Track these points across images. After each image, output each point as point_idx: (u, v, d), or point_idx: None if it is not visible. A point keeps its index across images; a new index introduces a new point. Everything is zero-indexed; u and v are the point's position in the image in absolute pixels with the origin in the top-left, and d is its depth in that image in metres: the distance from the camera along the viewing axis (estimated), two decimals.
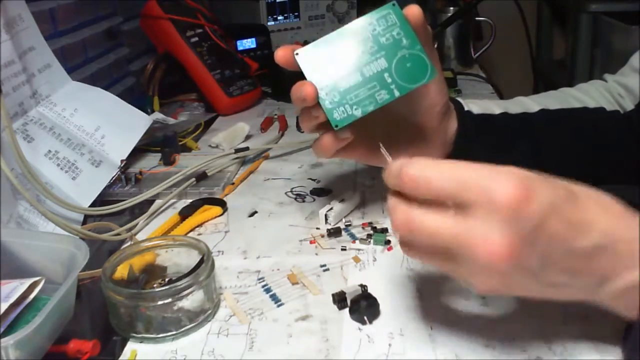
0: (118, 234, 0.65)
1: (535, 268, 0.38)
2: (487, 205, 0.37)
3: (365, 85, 0.52)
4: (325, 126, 0.55)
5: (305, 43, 0.55)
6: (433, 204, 0.39)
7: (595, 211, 0.40)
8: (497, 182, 0.37)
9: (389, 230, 0.63)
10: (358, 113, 0.52)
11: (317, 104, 0.53)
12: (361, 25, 0.53)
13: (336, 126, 0.52)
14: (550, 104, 0.69)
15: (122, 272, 0.53)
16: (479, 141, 0.65)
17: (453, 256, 0.39)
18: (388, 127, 0.60)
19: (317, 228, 0.65)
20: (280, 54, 0.54)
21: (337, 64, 0.53)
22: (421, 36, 0.54)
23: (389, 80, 0.53)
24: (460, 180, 0.38)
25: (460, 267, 0.39)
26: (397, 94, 0.53)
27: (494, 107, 0.68)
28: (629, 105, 0.69)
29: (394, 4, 0.53)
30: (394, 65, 0.53)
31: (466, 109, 0.66)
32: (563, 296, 0.42)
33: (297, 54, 0.53)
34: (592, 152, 0.68)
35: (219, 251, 0.62)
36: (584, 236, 0.39)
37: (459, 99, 0.68)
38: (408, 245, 0.42)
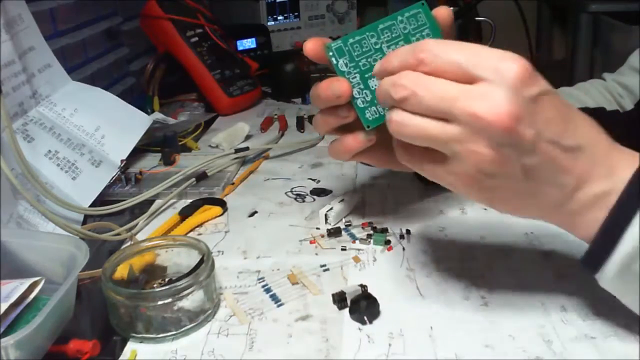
0: (118, 234, 0.65)
1: (528, 146, 0.40)
2: (496, 76, 0.40)
3: None
4: (344, 128, 0.53)
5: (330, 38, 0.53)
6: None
7: (583, 119, 0.44)
8: (507, 59, 0.40)
9: (389, 230, 0.63)
10: None
11: (347, 104, 0.51)
12: (393, 23, 0.51)
13: (368, 126, 0.51)
14: None
15: (122, 272, 0.53)
16: None
17: (452, 120, 0.41)
18: None
19: (317, 228, 0.65)
20: (310, 47, 0.52)
21: (369, 60, 0.51)
22: (448, 37, 0.53)
23: None
24: (475, 53, 0.41)
25: (455, 134, 0.41)
26: None
27: None
28: (629, 105, 0.69)
29: (422, 4, 0.51)
30: None
31: None
32: (541, 199, 0.43)
33: (328, 47, 0.50)
34: None
35: (219, 251, 0.62)
36: (571, 133, 0.42)
37: None
38: (403, 117, 0.43)
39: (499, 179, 0.42)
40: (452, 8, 0.53)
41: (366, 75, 0.51)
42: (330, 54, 0.50)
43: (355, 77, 0.51)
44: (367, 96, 0.51)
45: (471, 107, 0.39)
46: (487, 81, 0.40)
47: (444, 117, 0.41)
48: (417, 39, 0.51)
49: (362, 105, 0.51)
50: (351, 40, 0.50)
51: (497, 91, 0.39)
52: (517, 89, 0.39)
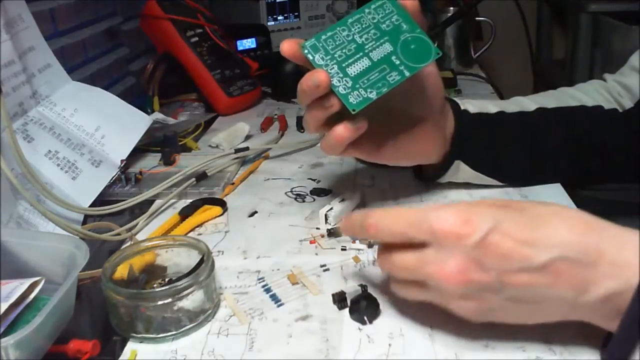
0: (118, 234, 0.65)
1: (495, 285, 0.41)
2: (434, 238, 0.42)
3: (375, 69, 0.54)
4: (333, 122, 0.55)
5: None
6: (407, 245, 0.44)
7: (556, 225, 0.41)
8: (438, 217, 0.42)
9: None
10: (373, 95, 0.53)
11: (329, 93, 0.53)
12: (361, 16, 0.55)
13: (353, 110, 0.53)
14: (548, 102, 0.69)
15: (122, 272, 0.53)
16: (475, 139, 0.66)
17: (427, 287, 0.44)
18: (389, 124, 0.61)
19: (317, 228, 0.65)
20: (287, 47, 0.55)
21: (344, 51, 0.54)
22: (417, 20, 0.56)
23: (397, 62, 0.54)
24: (411, 222, 0.44)
25: (436, 295, 0.45)
26: (407, 73, 0.54)
27: (491, 106, 0.68)
28: (629, 104, 0.69)
29: None
30: (399, 48, 0.54)
31: (462, 108, 0.66)
32: (546, 314, 0.43)
33: (303, 46, 0.54)
34: (589, 151, 0.68)
35: (219, 251, 0.62)
36: (540, 251, 0.40)
37: (456, 99, 0.68)
38: (397, 284, 0.48)
39: (494, 312, 0.44)
40: None
41: (344, 65, 0.54)
42: (306, 51, 0.54)
43: (333, 67, 0.54)
44: (347, 83, 0.53)
45: (428, 272, 0.43)
46: (431, 246, 0.43)
47: (421, 285, 0.45)
48: (388, 26, 0.55)
49: (344, 92, 0.53)
50: (324, 37, 0.54)
51: (440, 254, 0.42)
52: (455, 245, 0.41)
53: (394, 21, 0.55)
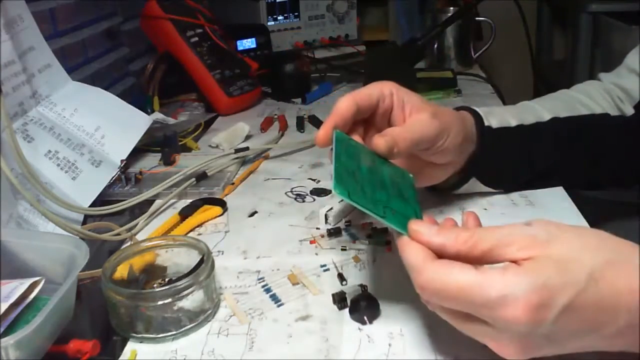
0: (118, 234, 0.65)
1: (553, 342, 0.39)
2: (505, 325, 0.38)
3: (392, 197, 0.48)
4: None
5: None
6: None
7: (622, 291, 0.38)
8: (508, 306, 0.37)
9: (389, 230, 0.63)
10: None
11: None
12: (339, 150, 0.49)
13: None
14: (559, 110, 0.69)
15: (122, 272, 0.53)
16: (494, 158, 0.65)
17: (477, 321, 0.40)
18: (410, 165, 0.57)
19: (317, 228, 0.65)
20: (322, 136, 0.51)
21: (367, 186, 0.47)
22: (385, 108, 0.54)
23: (405, 193, 0.50)
24: (467, 299, 0.39)
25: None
26: (416, 202, 0.50)
27: (510, 117, 0.67)
28: (629, 110, 0.69)
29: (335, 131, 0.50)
30: (391, 180, 0.50)
31: (486, 123, 0.64)
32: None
33: (336, 187, 0.46)
34: (598, 158, 0.68)
35: (219, 251, 0.62)
36: (608, 325, 0.38)
37: (478, 110, 0.66)
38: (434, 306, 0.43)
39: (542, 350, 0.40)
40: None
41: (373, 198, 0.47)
42: (346, 196, 0.45)
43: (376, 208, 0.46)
44: (392, 213, 0.46)
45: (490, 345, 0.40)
46: (491, 328, 0.39)
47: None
48: (372, 160, 0.50)
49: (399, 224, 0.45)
50: (342, 174, 0.46)
51: (503, 337, 0.39)
52: (529, 331, 0.38)
53: (369, 153, 0.50)
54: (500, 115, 0.66)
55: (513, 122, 0.67)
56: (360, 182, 0.47)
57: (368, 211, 0.45)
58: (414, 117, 0.55)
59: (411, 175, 0.53)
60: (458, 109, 0.64)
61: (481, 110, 0.66)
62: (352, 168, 0.47)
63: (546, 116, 0.68)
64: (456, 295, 0.39)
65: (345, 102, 0.52)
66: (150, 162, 0.85)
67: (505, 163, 0.66)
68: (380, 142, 0.51)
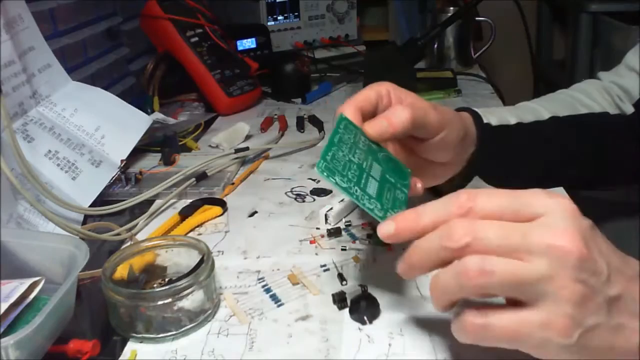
0: (118, 234, 0.65)
1: (603, 275, 0.37)
2: (552, 209, 0.38)
3: (383, 188, 0.49)
4: None
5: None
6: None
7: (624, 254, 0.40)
8: (552, 195, 0.38)
9: None
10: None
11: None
12: (339, 135, 0.48)
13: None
14: (559, 110, 0.69)
15: (122, 272, 0.53)
16: (495, 156, 0.65)
17: (528, 257, 0.37)
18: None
19: (317, 228, 0.65)
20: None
21: (353, 172, 0.47)
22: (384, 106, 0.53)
23: (393, 180, 0.51)
24: (518, 196, 0.39)
25: (542, 270, 0.37)
26: (405, 190, 0.51)
27: (509, 116, 0.67)
28: (629, 108, 0.69)
29: (341, 116, 0.50)
30: (385, 166, 0.51)
31: (485, 121, 0.64)
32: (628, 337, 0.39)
33: (318, 167, 0.44)
34: (598, 157, 0.68)
35: (219, 251, 0.62)
36: (630, 264, 0.39)
37: (477, 110, 0.66)
38: (484, 266, 0.38)
39: (590, 318, 0.37)
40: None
41: (361, 186, 0.47)
42: (325, 174, 0.45)
43: (356, 190, 0.46)
44: (377, 205, 0.47)
45: (544, 238, 0.36)
46: (545, 216, 0.38)
47: (514, 256, 0.37)
48: (364, 144, 0.50)
49: (381, 215, 0.46)
50: (328, 157, 0.46)
51: (562, 222, 0.37)
52: (575, 219, 0.37)
53: (364, 140, 0.50)
54: (499, 114, 0.67)
55: (512, 121, 0.67)
56: (349, 167, 0.47)
57: (346, 193, 0.45)
58: (416, 104, 0.54)
59: (409, 170, 0.54)
60: (457, 110, 0.65)
61: (480, 110, 0.66)
62: (345, 152, 0.48)
63: (545, 115, 0.68)
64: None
65: (348, 112, 0.51)
66: (150, 162, 0.85)
67: (506, 159, 0.66)
68: (376, 121, 0.51)
